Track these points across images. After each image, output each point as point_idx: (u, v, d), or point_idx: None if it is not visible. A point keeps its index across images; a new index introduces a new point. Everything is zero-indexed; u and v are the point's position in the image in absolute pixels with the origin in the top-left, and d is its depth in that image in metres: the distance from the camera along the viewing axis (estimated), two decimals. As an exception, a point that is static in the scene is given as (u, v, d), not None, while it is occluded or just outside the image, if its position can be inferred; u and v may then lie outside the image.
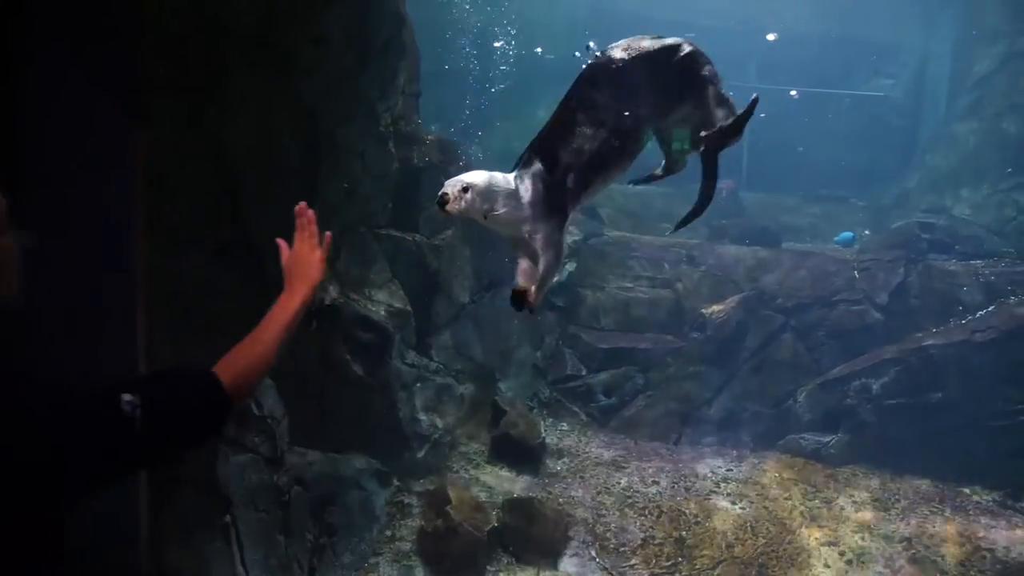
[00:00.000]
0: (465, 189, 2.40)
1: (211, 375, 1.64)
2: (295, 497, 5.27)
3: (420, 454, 6.34)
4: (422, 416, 6.48)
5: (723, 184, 12.20)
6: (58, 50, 3.63)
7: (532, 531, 5.75)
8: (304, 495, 5.36)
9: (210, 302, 4.93)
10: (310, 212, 2.10)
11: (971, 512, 6.54)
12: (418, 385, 6.58)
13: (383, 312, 6.25)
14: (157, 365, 4.37)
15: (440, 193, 2.40)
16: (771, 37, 14.93)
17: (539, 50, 14.10)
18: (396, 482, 6.09)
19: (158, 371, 1.63)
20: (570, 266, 8.54)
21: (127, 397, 1.41)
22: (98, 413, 1.38)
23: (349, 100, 5.90)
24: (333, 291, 5.98)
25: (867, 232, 12.65)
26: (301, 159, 5.41)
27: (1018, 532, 6.30)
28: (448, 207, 2.38)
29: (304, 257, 2.02)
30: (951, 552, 6.02)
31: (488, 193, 2.46)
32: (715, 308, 8.12)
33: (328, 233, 2.15)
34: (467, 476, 6.47)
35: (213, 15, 4.58)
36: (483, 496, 6.18)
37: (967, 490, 6.85)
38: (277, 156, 5.23)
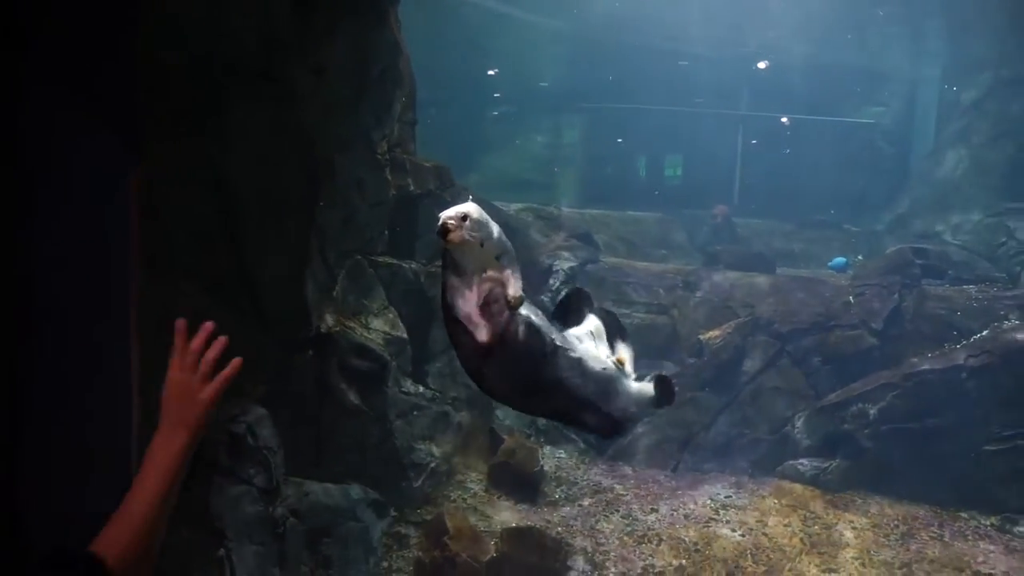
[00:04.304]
0: (464, 217, 2.38)
1: (96, 564, 1.36)
2: (290, 529, 5.21)
3: (417, 483, 6.29)
4: (419, 445, 6.44)
5: (717, 210, 12.32)
6: (54, 80, 3.66)
7: (531, 561, 5.69)
8: (299, 526, 5.30)
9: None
10: (207, 325, 1.65)
11: (969, 537, 6.51)
12: (415, 413, 6.54)
13: (380, 340, 6.24)
14: (150, 399, 4.35)
15: (440, 223, 2.36)
16: (762, 65, 15.14)
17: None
18: (393, 512, 6.03)
19: (45, 556, 1.37)
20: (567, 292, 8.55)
21: None
22: None
23: (346, 128, 5.94)
24: (330, 319, 5.97)
25: (860, 257, 12.72)
26: (299, 188, 5.42)
27: (1016, 557, 6.27)
28: (451, 236, 2.35)
29: (184, 390, 1.56)
30: (951, 578, 5.99)
31: (483, 220, 2.44)
32: (712, 334, 8.13)
33: (236, 361, 1.65)
34: (465, 505, 6.41)
35: (212, 47, 4.62)
36: (481, 526, 6.13)
37: (965, 515, 6.83)
38: (275, 186, 5.23)
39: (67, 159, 3.76)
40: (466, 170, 9.28)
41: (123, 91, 4.28)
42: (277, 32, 4.95)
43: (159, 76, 4.34)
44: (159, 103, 4.40)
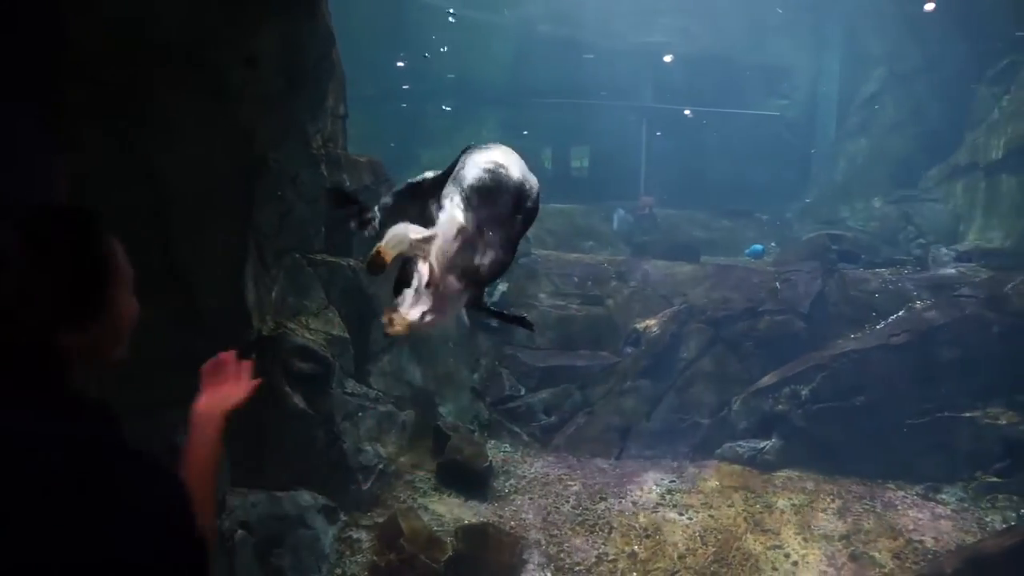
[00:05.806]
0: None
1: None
2: (239, 542, 4.97)
3: (366, 486, 6.11)
4: (366, 446, 6.26)
5: (644, 201, 12.54)
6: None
7: (488, 558, 5.63)
8: (249, 539, 5.06)
9: (136, 339, 4.61)
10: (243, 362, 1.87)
11: (899, 507, 6.86)
12: (360, 414, 6.36)
13: (322, 340, 6.01)
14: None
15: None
16: (667, 59, 15.48)
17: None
18: (343, 517, 5.84)
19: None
20: (502, 286, 8.51)
21: None
22: None
23: (281, 122, 5.68)
24: (270, 321, 5.72)
25: (773, 244, 13.23)
26: (233, 184, 5.16)
27: (942, 523, 6.65)
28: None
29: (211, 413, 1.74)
30: (885, 546, 6.28)
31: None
32: (648, 323, 8.25)
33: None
34: (415, 505, 6.27)
35: (137, 34, 4.32)
36: (434, 525, 6.01)
37: (893, 486, 7.18)
38: (208, 181, 4.96)
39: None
40: (399, 165, 9.06)
41: (46, 78, 3.96)
42: (205, 17, 4.68)
43: (80, 62, 4.04)
44: (80, 89, 4.11)
